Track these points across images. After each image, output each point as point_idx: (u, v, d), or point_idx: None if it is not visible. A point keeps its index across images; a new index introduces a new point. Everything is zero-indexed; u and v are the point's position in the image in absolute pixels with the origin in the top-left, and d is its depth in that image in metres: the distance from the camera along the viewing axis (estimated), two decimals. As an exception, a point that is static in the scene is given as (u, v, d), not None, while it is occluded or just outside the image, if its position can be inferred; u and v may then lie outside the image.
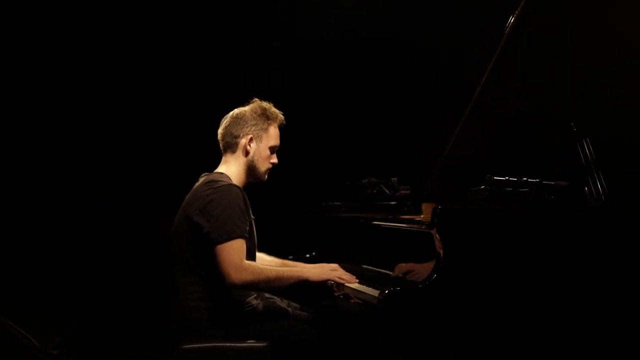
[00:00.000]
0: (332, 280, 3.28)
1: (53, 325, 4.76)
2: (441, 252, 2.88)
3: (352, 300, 3.20)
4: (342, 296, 3.30)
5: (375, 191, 3.82)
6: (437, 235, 2.90)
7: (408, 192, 3.65)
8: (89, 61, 5.18)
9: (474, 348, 2.88)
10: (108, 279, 5.13)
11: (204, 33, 5.35)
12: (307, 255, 3.95)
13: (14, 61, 5.02)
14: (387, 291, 2.85)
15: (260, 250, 3.58)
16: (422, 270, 3.07)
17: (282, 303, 3.48)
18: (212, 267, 3.08)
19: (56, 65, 5.11)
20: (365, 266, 3.67)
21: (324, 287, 3.42)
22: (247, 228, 3.15)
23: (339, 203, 3.97)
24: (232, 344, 3.11)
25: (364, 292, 3.07)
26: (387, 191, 3.73)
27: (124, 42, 5.24)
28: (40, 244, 5.08)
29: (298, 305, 3.52)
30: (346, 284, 3.22)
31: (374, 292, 2.96)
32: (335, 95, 5.41)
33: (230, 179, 3.26)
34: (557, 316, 2.88)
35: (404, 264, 3.32)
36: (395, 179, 3.69)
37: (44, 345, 4.51)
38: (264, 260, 3.55)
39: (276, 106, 3.42)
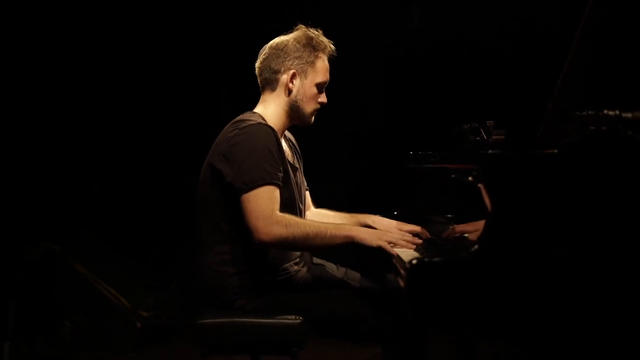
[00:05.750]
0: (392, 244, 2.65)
1: (147, 286, 4.57)
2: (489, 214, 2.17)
3: None
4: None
5: (478, 138, 3.12)
6: (485, 190, 2.18)
7: (502, 137, 2.92)
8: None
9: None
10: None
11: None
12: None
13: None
14: (414, 261, 2.18)
15: (329, 207, 3.05)
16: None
17: (336, 271, 2.91)
18: (240, 223, 2.58)
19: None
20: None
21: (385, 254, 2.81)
22: (281, 175, 2.61)
23: (429, 152, 3.28)
24: (258, 320, 2.62)
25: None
26: (485, 137, 3.03)
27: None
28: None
29: (359, 276, 2.93)
30: (398, 252, 2.58)
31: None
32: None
33: (263, 118, 2.72)
34: None
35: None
36: (492, 122, 2.98)
37: (136, 307, 4.33)
38: (326, 217, 2.99)
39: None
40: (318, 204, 3.14)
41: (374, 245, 2.62)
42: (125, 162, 5.08)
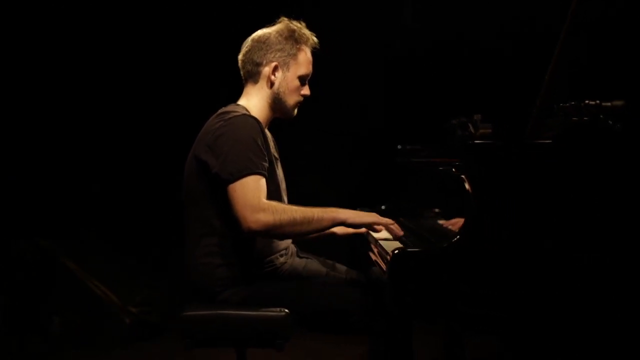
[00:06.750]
0: (378, 226, 2.66)
1: (137, 282, 4.56)
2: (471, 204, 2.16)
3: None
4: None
5: (467, 133, 3.11)
6: (467, 180, 2.17)
7: (489, 131, 2.91)
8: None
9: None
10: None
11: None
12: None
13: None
14: (396, 251, 2.17)
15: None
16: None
17: (322, 264, 2.89)
18: (226, 214, 2.57)
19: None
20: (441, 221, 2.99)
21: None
22: (266, 165, 2.61)
23: (418, 147, 3.28)
24: (242, 312, 2.59)
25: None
26: (473, 131, 3.02)
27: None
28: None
29: (345, 269, 2.91)
30: (378, 239, 2.57)
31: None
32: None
33: (247, 110, 2.72)
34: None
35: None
36: (479, 115, 2.97)
37: (125, 303, 4.32)
38: None
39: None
40: (312, 200, 3.12)
41: (361, 223, 2.64)
42: (124, 162, 5.07)
